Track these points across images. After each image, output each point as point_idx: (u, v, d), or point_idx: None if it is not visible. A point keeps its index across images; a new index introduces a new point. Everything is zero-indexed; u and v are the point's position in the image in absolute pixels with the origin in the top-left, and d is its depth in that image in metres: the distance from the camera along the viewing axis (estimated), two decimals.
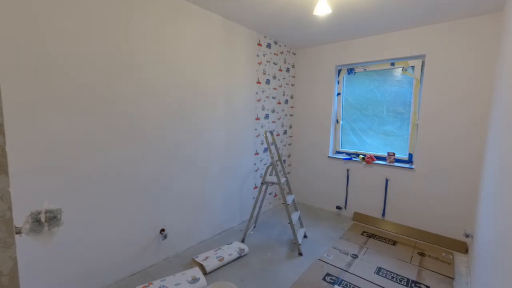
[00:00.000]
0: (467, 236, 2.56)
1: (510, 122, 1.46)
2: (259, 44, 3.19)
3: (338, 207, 3.56)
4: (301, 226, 2.90)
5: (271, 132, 2.83)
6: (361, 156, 3.37)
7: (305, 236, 2.88)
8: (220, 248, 2.50)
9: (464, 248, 2.63)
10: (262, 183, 2.74)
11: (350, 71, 3.49)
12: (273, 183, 2.71)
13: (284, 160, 3.93)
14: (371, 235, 2.96)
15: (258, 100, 3.29)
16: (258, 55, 3.18)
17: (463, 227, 2.63)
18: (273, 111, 3.57)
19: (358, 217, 3.36)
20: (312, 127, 3.81)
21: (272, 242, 2.77)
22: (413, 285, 2.11)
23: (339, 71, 3.59)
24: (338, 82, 3.61)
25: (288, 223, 2.80)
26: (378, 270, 2.29)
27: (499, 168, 1.61)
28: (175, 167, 2.39)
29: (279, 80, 3.61)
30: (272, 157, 2.62)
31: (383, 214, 3.20)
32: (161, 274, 2.16)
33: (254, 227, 3.08)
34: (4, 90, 1.41)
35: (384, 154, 3.24)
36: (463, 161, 2.64)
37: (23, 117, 1.52)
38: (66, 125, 1.70)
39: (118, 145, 1.97)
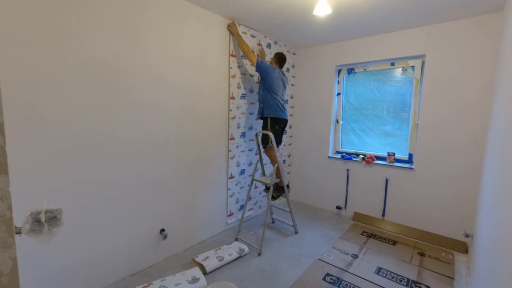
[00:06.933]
0: (467, 236, 2.56)
1: (510, 122, 1.46)
2: (259, 44, 3.18)
3: (338, 207, 3.56)
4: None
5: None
6: (361, 156, 3.37)
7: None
8: (220, 248, 2.50)
9: (464, 248, 2.63)
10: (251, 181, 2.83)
11: (350, 71, 3.49)
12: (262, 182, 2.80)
13: (284, 160, 3.93)
14: (371, 235, 2.96)
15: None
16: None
17: (463, 227, 2.63)
18: None
19: (358, 217, 3.36)
20: (312, 127, 3.81)
21: (272, 241, 2.77)
22: (413, 285, 2.11)
23: (339, 71, 3.59)
24: (338, 82, 3.61)
25: (288, 211, 2.94)
26: (378, 270, 2.29)
27: (499, 168, 1.61)
28: (175, 167, 2.39)
29: None
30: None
31: (383, 214, 3.20)
32: (161, 274, 2.16)
33: (273, 222, 3.25)
34: (4, 90, 1.41)
35: (384, 154, 3.24)
36: (463, 161, 2.64)
37: (23, 117, 1.52)
38: (66, 125, 1.69)
39: (118, 145, 1.97)
